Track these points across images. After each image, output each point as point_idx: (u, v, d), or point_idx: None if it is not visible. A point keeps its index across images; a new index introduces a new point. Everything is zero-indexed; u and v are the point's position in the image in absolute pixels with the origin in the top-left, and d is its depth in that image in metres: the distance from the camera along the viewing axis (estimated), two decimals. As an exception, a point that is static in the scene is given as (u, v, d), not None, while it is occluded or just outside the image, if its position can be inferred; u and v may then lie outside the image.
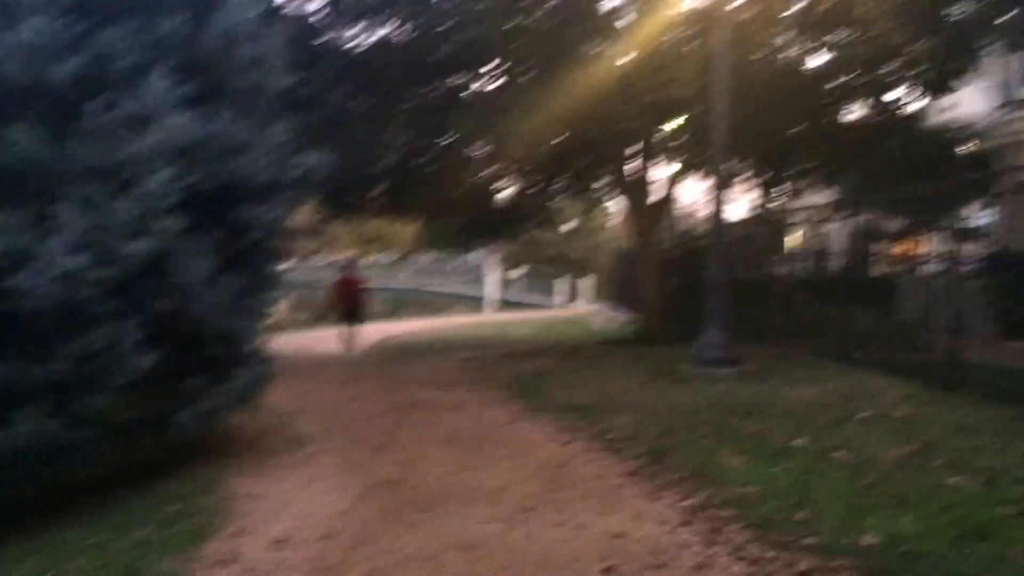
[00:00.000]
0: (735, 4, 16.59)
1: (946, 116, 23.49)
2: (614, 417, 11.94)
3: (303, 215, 29.57)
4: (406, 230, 72.33)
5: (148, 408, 10.11)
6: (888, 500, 7.51)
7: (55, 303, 8.25)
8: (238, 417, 11.70)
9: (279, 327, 40.29)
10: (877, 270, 20.47)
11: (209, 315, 9.71)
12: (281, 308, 50.04)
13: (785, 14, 18.62)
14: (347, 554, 7.03)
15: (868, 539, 6.62)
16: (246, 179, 9.99)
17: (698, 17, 17.74)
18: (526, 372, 17.56)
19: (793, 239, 24.08)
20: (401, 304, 75.01)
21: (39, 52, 8.75)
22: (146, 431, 10.19)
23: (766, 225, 24.05)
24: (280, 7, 19.72)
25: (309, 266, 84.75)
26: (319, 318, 44.28)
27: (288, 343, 27.94)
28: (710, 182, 18.90)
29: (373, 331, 33.50)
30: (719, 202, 16.19)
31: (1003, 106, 23.53)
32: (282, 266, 12.52)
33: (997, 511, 7.05)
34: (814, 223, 19.73)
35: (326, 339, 29.17)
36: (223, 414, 10.60)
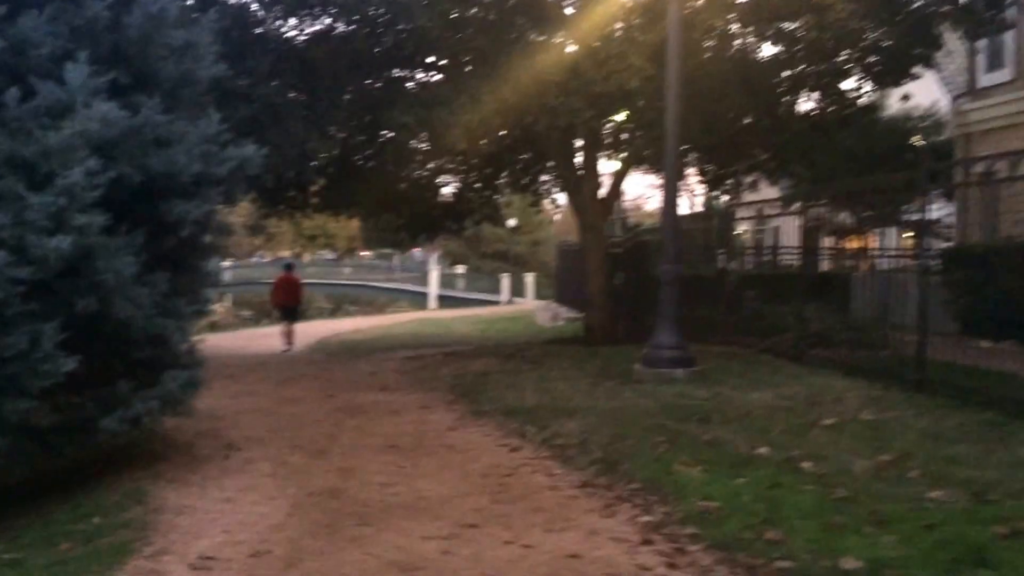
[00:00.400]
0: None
1: (903, 106, 23.37)
2: (563, 421, 11.52)
3: (243, 211, 29.32)
4: (349, 226, 72.19)
5: (72, 413, 9.69)
6: (865, 517, 7.04)
7: (-32, 303, 7.76)
8: (170, 421, 11.20)
9: (219, 326, 39.97)
10: (830, 265, 20.26)
11: (136, 316, 9.22)
12: (220, 307, 49.56)
13: (739, 0, 18.33)
14: (278, 574, 6.55)
15: (848, 563, 6.10)
16: (174, 172, 9.50)
17: (650, 3, 17.36)
18: (470, 372, 17.15)
19: (744, 233, 23.89)
20: (345, 301, 74.76)
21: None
22: (71, 437, 9.75)
23: (716, 219, 23.77)
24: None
25: (251, 263, 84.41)
26: (261, 316, 43.86)
27: (227, 342, 27.63)
28: (660, 174, 18.58)
29: (315, 329, 33.17)
30: (672, 195, 15.78)
31: (962, 96, 23.36)
32: (217, 263, 12.00)
33: (990, 530, 6.56)
34: (765, 217, 19.46)
35: (267, 337, 28.79)
36: (152, 419, 10.08)
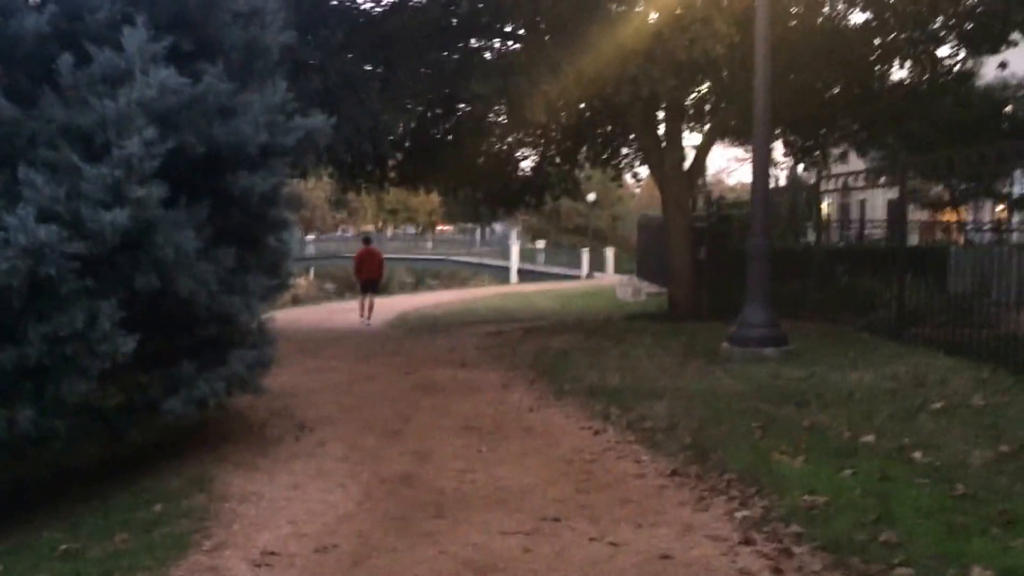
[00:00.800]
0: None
1: (1000, 75, 22.50)
2: (649, 403, 10.96)
3: (324, 186, 29.35)
4: (430, 201, 72.32)
5: (135, 394, 9.43)
6: (992, 517, 6.34)
7: (23, 279, 7.44)
8: (241, 401, 10.94)
9: (300, 299, 40.07)
10: (924, 239, 19.55)
11: (199, 292, 8.85)
12: (302, 280, 49.74)
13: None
14: (343, 573, 6.10)
15: (978, 572, 5.43)
16: (239, 143, 9.12)
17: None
18: (551, 349, 16.63)
19: (830, 206, 23.23)
20: (426, 275, 75.10)
21: (7, 3, 8.13)
22: (134, 419, 9.48)
23: (803, 192, 23.12)
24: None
25: (334, 237, 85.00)
26: (344, 289, 43.99)
27: (307, 315, 27.69)
28: (746, 146, 17.98)
29: (396, 303, 33.05)
30: (762, 166, 15.12)
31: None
32: (289, 237, 11.60)
33: None
34: (855, 189, 18.75)
35: (348, 311, 28.73)
36: (218, 400, 9.70)
